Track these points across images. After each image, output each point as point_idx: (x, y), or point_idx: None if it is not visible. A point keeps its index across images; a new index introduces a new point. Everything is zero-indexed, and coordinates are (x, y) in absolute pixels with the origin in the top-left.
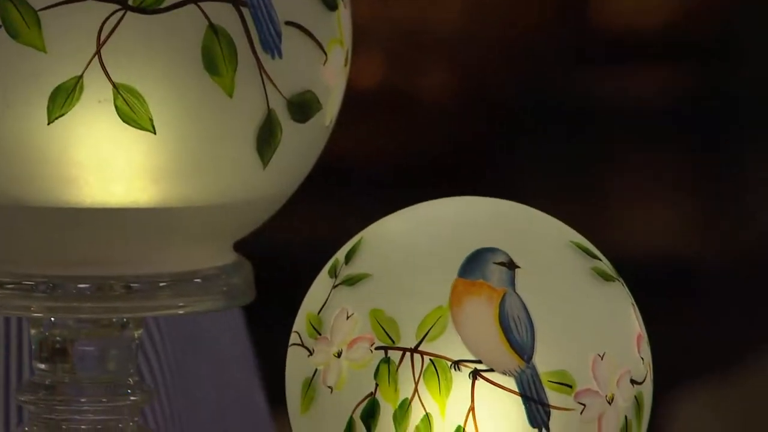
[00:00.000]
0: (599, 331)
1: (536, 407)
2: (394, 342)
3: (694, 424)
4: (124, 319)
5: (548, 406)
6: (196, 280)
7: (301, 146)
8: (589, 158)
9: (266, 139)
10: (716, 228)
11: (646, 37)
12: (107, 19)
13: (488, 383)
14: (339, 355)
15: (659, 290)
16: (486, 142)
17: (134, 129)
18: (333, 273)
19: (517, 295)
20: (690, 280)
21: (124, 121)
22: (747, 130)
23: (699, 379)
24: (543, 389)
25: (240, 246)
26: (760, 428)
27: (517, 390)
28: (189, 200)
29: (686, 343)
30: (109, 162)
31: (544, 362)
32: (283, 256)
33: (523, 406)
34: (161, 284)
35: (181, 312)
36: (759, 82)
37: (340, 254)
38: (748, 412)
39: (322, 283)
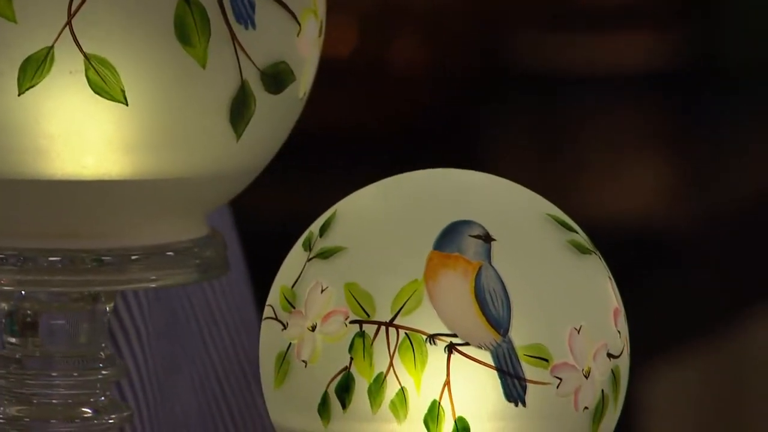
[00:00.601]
0: (576, 305)
1: (512, 381)
2: (368, 316)
3: (671, 394)
4: (96, 293)
5: (524, 380)
6: (168, 253)
7: (275, 118)
8: (560, 126)
9: (239, 110)
10: (689, 195)
11: (615, 1)
12: None
13: (464, 357)
14: (313, 328)
15: (631, 258)
16: (459, 111)
17: (106, 100)
18: (307, 246)
19: (493, 268)
20: (662, 247)
21: (95, 93)
22: (720, 97)
23: (675, 347)
24: (519, 363)
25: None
26: (737, 395)
27: (493, 364)
28: (161, 172)
29: (660, 311)
30: (81, 134)
31: (520, 336)
32: (254, 230)
33: (499, 380)
34: (133, 257)
35: (153, 285)
36: (731, 48)
37: (314, 227)
38: (724, 380)
39: (296, 257)
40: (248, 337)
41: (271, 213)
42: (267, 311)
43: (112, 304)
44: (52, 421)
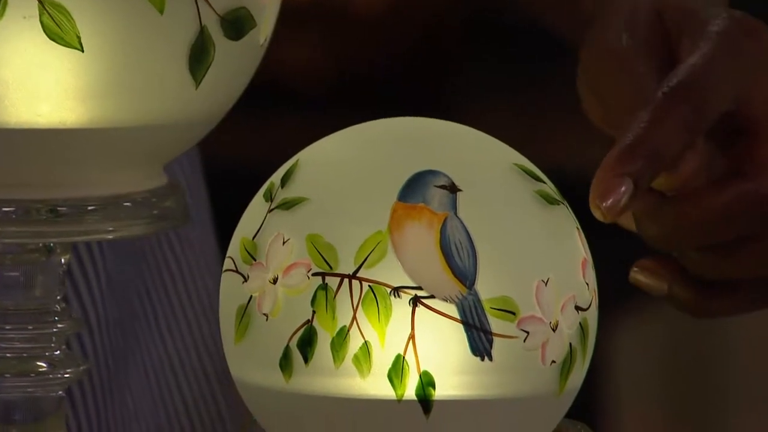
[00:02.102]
0: (543, 257)
1: (478, 335)
2: (331, 268)
3: (637, 346)
4: (51, 244)
5: (490, 333)
6: (125, 203)
7: (235, 65)
8: (527, 74)
9: (198, 57)
10: None
11: None
12: None
13: (429, 310)
14: (275, 281)
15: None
16: (423, 58)
17: (61, 47)
18: (268, 197)
19: (459, 219)
20: None
21: (50, 39)
22: None
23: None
24: (485, 316)
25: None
26: (703, 347)
27: (458, 317)
28: (118, 121)
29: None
30: (35, 81)
31: (486, 288)
32: (215, 180)
33: (464, 334)
34: (89, 208)
35: (110, 237)
36: None
37: (276, 177)
38: (690, 331)
39: (256, 207)
40: (210, 328)
41: (228, 162)
42: (227, 263)
43: (67, 256)
44: (6, 375)
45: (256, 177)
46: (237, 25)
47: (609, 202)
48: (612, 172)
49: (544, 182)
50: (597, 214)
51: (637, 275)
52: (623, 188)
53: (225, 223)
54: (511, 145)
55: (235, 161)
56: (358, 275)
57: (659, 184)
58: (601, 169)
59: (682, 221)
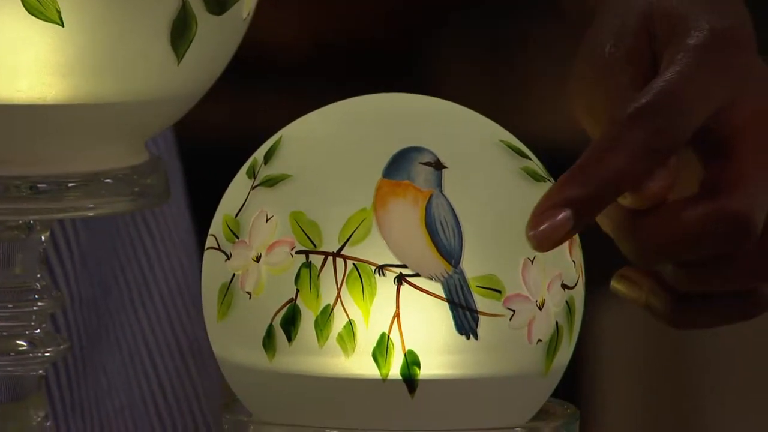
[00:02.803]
0: None
1: (464, 313)
2: (315, 246)
3: (623, 324)
4: (31, 222)
5: (476, 312)
6: (106, 180)
7: (217, 40)
8: (511, 48)
9: (180, 32)
10: None
11: None
12: None
13: (414, 289)
14: (258, 259)
15: None
16: (404, 28)
17: (41, 21)
18: (251, 173)
19: (444, 196)
20: None
21: (30, 13)
22: None
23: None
24: (471, 295)
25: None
26: None
27: (444, 296)
28: (99, 96)
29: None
30: (15, 56)
31: (472, 267)
32: (188, 155)
33: (450, 313)
34: (70, 185)
35: (90, 214)
36: None
37: (259, 154)
38: None
39: (239, 184)
40: (185, 304)
41: (210, 138)
42: (209, 241)
43: (47, 233)
44: None
45: (230, 151)
46: None
47: (538, 231)
48: (550, 200)
49: (530, 159)
50: (530, 244)
51: (617, 285)
52: (559, 218)
53: (199, 199)
54: (495, 117)
55: (208, 136)
56: (342, 253)
57: (626, 203)
58: (543, 195)
59: (651, 239)
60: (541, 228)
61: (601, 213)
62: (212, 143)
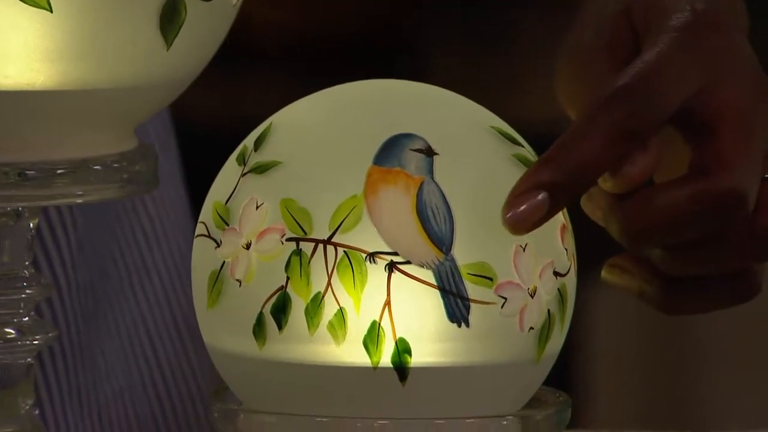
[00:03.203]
0: None
1: (455, 301)
2: (306, 233)
3: (615, 311)
4: (19, 209)
5: (468, 299)
6: (95, 167)
7: (207, 26)
8: (500, 33)
9: (170, 18)
10: None
11: None
12: None
13: (405, 276)
14: (248, 246)
15: None
16: (393, 13)
17: (30, 7)
18: (241, 160)
19: (436, 183)
20: None
21: None
22: None
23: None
24: (462, 282)
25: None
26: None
27: (435, 283)
28: (88, 83)
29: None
30: (3, 42)
31: (463, 254)
32: (186, 139)
33: (441, 300)
34: (58, 171)
35: (79, 201)
36: None
37: (249, 140)
38: None
39: (229, 171)
40: (183, 287)
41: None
42: (199, 228)
43: (36, 221)
44: None
45: (227, 135)
46: None
47: (514, 213)
48: (526, 183)
49: (522, 145)
50: (506, 227)
51: (607, 275)
52: (535, 201)
53: (197, 183)
54: (485, 101)
55: (207, 120)
56: (332, 240)
57: (607, 187)
58: (520, 178)
59: (640, 222)
60: (517, 211)
61: (587, 198)
62: (205, 128)
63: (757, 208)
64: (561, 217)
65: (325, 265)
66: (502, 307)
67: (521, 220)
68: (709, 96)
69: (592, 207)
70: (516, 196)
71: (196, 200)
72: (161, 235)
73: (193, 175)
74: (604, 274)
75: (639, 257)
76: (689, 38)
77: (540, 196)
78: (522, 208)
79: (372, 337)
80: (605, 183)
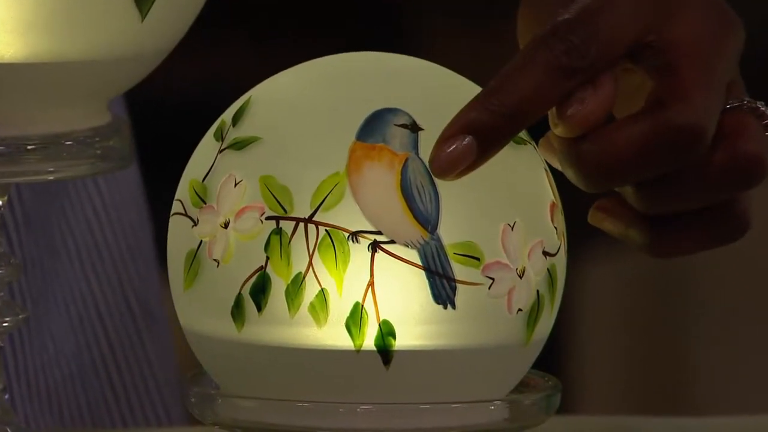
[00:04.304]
0: (509, 199)
1: (441, 282)
2: (286, 211)
3: (605, 291)
4: None
5: (454, 280)
6: (67, 142)
7: None
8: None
9: None
10: None
11: None
12: None
13: (389, 256)
14: (226, 225)
15: None
16: None
17: None
18: (219, 136)
19: (421, 160)
20: None
21: None
22: None
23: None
24: (448, 262)
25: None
26: (676, 293)
27: (420, 263)
28: (60, 55)
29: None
30: None
31: (449, 233)
32: (137, 109)
33: (426, 281)
34: (29, 147)
35: (51, 178)
36: None
37: (227, 115)
38: (665, 277)
39: (206, 147)
40: (136, 266)
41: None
42: (175, 206)
43: (5, 198)
44: None
45: (181, 106)
46: None
47: (437, 159)
48: (453, 126)
49: None
50: (432, 171)
51: (594, 218)
52: (462, 144)
53: (149, 156)
54: (474, 80)
55: (158, 89)
56: (314, 219)
57: (558, 132)
58: (449, 121)
59: (596, 162)
60: (442, 155)
61: (544, 142)
62: (162, 96)
63: (730, 136)
64: (550, 194)
65: (306, 245)
66: (489, 288)
67: (448, 166)
68: (665, 29)
69: (548, 151)
70: (443, 139)
71: (149, 175)
72: (113, 210)
73: (146, 149)
74: (590, 217)
75: (622, 199)
76: None
77: (466, 140)
78: (448, 152)
79: (355, 320)
80: (556, 128)
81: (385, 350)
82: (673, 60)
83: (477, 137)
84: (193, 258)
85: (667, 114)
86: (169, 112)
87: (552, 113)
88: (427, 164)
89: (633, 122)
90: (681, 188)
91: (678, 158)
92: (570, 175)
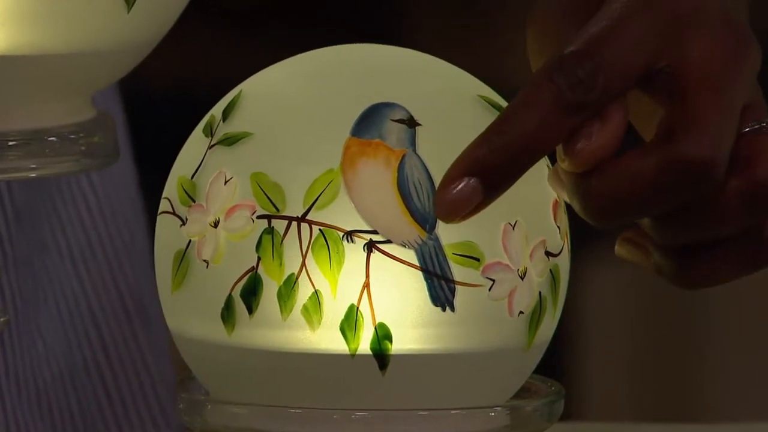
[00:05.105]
0: (511, 198)
1: (439, 283)
2: (278, 210)
3: (613, 297)
4: None
5: (453, 281)
6: (50, 138)
7: None
8: None
9: None
10: None
11: None
12: None
13: (385, 256)
14: (216, 224)
15: None
16: None
17: None
18: (208, 131)
19: (419, 156)
20: None
21: None
22: None
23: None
24: (447, 263)
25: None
26: (683, 294)
27: (417, 264)
28: (41, 47)
29: None
30: None
31: (448, 233)
32: (133, 104)
33: (424, 283)
34: (10, 143)
35: (33, 175)
36: None
37: (216, 110)
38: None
39: (195, 143)
40: (131, 263)
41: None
42: (163, 205)
43: None
44: None
45: (179, 101)
46: None
47: (442, 202)
48: (457, 167)
49: None
50: (437, 215)
51: (621, 249)
52: (467, 187)
53: (145, 152)
54: (471, 63)
55: (154, 84)
56: (307, 218)
57: (565, 167)
58: (454, 161)
59: (605, 198)
60: (446, 199)
61: (552, 175)
62: (159, 90)
63: (748, 162)
64: (553, 193)
65: (299, 245)
66: (489, 289)
67: (452, 210)
68: (677, 52)
69: (557, 183)
70: (447, 181)
71: (145, 171)
72: (106, 207)
73: (142, 144)
74: (617, 249)
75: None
76: None
77: (471, 182)
78: (452, 194)
79: (350, 323)
80: (563, 162)
81: (381, 354)
82: (685, 86)
83: (481, 178)
84: (182, 258)
85: (676, 147)
86: (167, 107)
87: (559, 148)
88: (424, 161)
89: (641, 156)
90: (699, 218)
91: (689, 192)
92: (578, 210)
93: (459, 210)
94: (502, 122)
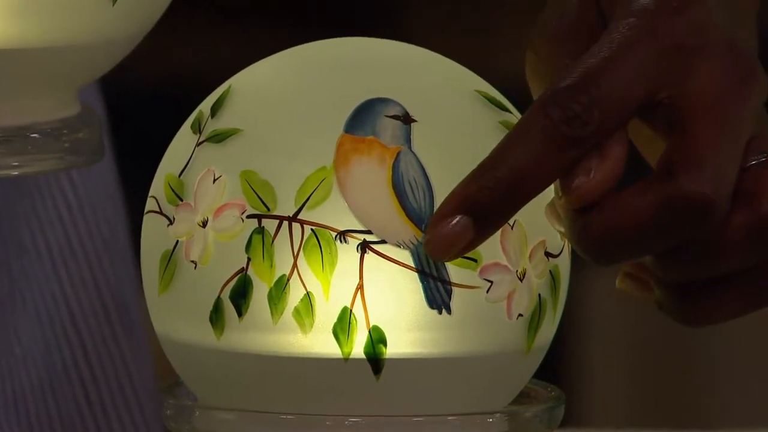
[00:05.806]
0: None
1: (435, 285)
2: (269, 209)
3: (614, 300)
4: None
5: (449, 283)
6: (33, 135)
7: None
8: None
9: None
10: None
11: None
12: None
13: (379, 257)
14: (204, 224)
15: None
16: None
17: None
18: (196, 128)
19: (414, 153)
20: None
21: None
22: None
23: None
24: (443, 264)
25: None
26: None
27: (413, 265)
28: (24, 41)
29: None
30: None
31: None
32: (114, 100)
33: (420, 284)
34: None
35: (15, 173)
36: None
37: (205, 106)
38: None
39: (183, 140)
40: (112, 265)
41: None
42: (150, 204)
43: None
44: None
45: (159, 96)
46: None
47: (431, 240)
48: (449, 203)
49: (510, 111)
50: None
51: (622, 284)
52: (455, 227)
53: (125, 148)
54: (467, 56)
55: (135, 79)
56: (299, 217)
57: (561, 204)
58: (447, 195)
59: (603, 237)
60: (436, 236)
61: (549, 208)
62: (140, 85)
63: (754, 196)
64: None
65: (290, 245)
66: (487, 291)
67: (442, 249)
68: (678, 83)
69: (554, 218)
70: (437, 219)
71: (127, 169)
72: (86, 205)
73: (123, 141)
74: (618, 283)
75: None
76: (652, 22)
77: (461, 220)
78: (442, 233)
79: (343, 326)
80: (559, 200)
81: (375, 358)
82: (686, 118)
83: (473, 217)
84: (169, 259)
85: (675, 183)
86: (148, 103)
87: (556, 184)
88: (420, 158)
89: (640, 193)
90: (702, 255)
91: (690, 229)
92: (576, 247)
93: (450, 248)
94: (494, 157)
